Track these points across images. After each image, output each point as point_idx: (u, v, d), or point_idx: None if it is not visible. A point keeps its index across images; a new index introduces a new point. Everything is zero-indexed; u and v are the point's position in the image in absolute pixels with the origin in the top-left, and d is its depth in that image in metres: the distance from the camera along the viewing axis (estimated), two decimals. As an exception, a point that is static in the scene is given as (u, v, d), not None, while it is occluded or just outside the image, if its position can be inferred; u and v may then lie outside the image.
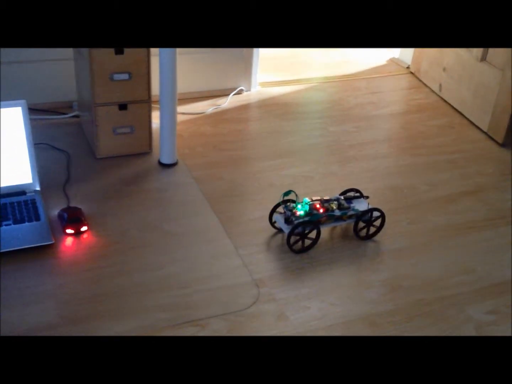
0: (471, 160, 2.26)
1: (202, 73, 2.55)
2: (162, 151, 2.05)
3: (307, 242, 1.72)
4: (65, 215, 1.70)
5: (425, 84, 2.88)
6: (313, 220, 1.70)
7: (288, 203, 1.76)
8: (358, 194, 1.86)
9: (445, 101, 2.71)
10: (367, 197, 1.85)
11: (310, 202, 1.74)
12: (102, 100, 1.98)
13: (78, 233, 1.68)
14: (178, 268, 1.61)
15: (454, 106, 2.64)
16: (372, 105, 2.67)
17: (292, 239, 1.69)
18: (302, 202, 1.73)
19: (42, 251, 1.61)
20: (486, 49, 2.43)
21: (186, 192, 1.93)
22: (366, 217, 1.76)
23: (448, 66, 2.67)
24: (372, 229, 1.80)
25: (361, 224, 1.79)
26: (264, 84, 2.78)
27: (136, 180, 1.97)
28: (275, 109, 2.56)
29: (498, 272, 1.69)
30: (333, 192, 1.98)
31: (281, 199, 1.76)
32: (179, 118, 2.35)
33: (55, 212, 1.75)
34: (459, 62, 2.58)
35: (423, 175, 2.14)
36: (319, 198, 1.78)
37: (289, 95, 2.71)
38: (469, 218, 1.92)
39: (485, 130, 2.44)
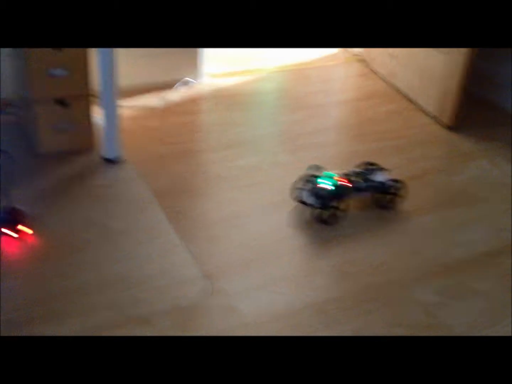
0: (418, 144, 2.28)
1: (148, 65, 2.49)
2: (105, 147, 2.00)
3: (337, 214, 1.77)
4: (5, 216, 1.63)
5: (374, 71, 2.89)
6: (340, 192, 1.75)
7: (313, 178, 1.79)
8: (374, 167, 1.91)
9: (394, 87, 2.73)
10: (386, 169, 1.90)
11: (336, 176, 1.79)
12: (41, 96, 1.91)
13: (18, 235, 1.62)
14: (124, 267, 1.57)
15: (403, 91, 2.66)
16: (322, 94, 2.67)
17: (321, 212, 1.74)
18: (326, 176, 1.78)
19: (-21, 256, 1.54)
20: (430, 34, 2.45)
21: (132, 188, 1.88)
22: (387, 187, 1.83)
23: (396, 52, 2.68)
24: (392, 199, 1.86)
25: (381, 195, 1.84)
26: (213, 75, 2.73)
27: (79, 177, 1.91)
28: (224, 100, 2.53)
29: (443, 254, 1.71)
30: (283, 180, 1.97)
31: (307, 174, 1.80)
32: (124, 112, 2.29)
33: (-7, 214, 1.68)
34: (405, 48, 2.60)
35: (373, 161, 2.14)
36: (342, 171, 1.84)
37: (238, 85, 2.67)
38: (416, 202, 1.94)
39: (432, 114, 2.47)
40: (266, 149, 2.19)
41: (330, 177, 1.78)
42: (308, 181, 1.78)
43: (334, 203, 1.75)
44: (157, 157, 2.07)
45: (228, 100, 2.53)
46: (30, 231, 1.63)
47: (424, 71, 2.49)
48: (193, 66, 2.60)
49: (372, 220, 1.83)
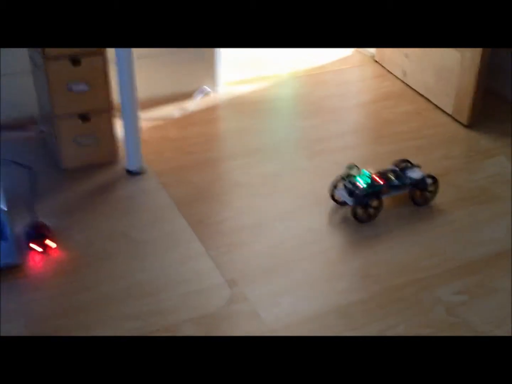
0: (438, 144, 2.28)
1: (164, 76, 2.53)
2: (128, 159, 2.04)
3: (371, 212, 1.82)
4: (31, 232, 1.68)
5: (390, 72, 2.89)
6: (375, 190, 1.79)
7: (349, 177, 1.84)
8: (409, 164, 1.95)
9: (410, 87, 2.72)
10: (419, 166, 1.94)
11: (371, 175, 1.83)
12: (62, 112, 1.96)
13: (44, 249, 1.66)
14: (147, 276, 1.60)
15: (419, 91, 2.66)
16: (339, 97, 2.68)
17: (358, 210, 1.77)
18: (362, 175, 1.83)
19: (9, 271, 1.58)
20: (445, 32, 2.44)
21: (154, 198, 1.92)
22: (421, 184, 1.86)
23: (410, 52, 2.68)
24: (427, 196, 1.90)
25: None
26: (230, 83, 2.77)
27: (103, 190, 1.95)
28: (242, 107, 2.55)
29: (466, 253, 1.71)
30: (304, 186, 1.98)
31: (345, 173, 1.85)
32: (145, 124, 2.34)
33: (21, 229, 1.73)
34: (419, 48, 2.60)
35: (390, 163, 2.14)
36: (378, 170, 1.89)
37: (255, 92, 2.70)
38: (437, 201, 1.93)
39: (449, 113, 2.46)
40: (286, 156, 2.21)
41: (366, 176, 1.83)
42: (345, 180, 1.84)
43: (369, 201, 1.79)
44: (178, 166, 2.10)
45: (246, 107, 2.55)
46: (55, 245, 1.68)
47: (439, 69, 2.48)
48: (210, 75, 2.64)
49: (398, 219, 1.84)
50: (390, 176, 1.87)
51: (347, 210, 1.85)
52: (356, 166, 1.85)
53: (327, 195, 1.95)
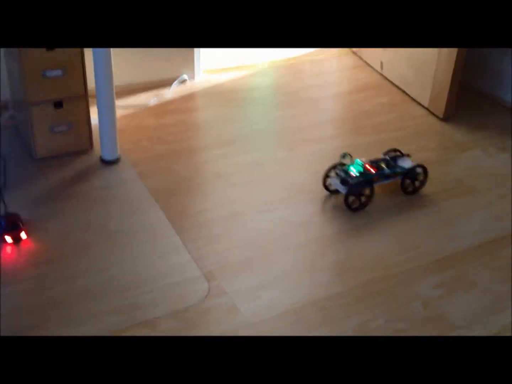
0: (414, 137, 2.29)
1: (142, 63, 2.48)
2: (103, 148, 2.00)
3: (363, 200, 1.85)
4: (2, 223, 1.63)
5: (367, 63, 2.89)
6: (367, 179, 1.80)
7: (342, 165, 1.86)
8: (399, 154, 1.99)
9: (387, 79, 2.73)
10: (408, 155, 1.98)
11: (363, 164, 1.86)
12: (36, 99, 1.91)
13: (17, 241, 1.62)
14: (123, 269, 1.57)
15: (396, 83, 2.67)
16: (317, 87, 2.67)
17: (350, 198, 1.81)
18: (355, 164, 1.85)
19: (-19, 262, 1.54)
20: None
21: (130, 188, 1.89)
22: (411, 173, 1.89)
23: (389, 43, 2.69)
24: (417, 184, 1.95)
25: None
26: (209, 72, 2.73)
27: (77, 179, 1.91)
28: (220, 96, 2.53)
29: (442, 247, 1.73)
30: (283, 176, 1.98)
31: (338, 161, 1.88)
32: (121, 112, 2.29)
33: (-8, 219, 1.68)
34: (398, 39, 2.60)
35: (367, 154, 2.15)
36: (368, 159, 1.91)
37: (233, 81, 2.67)
38: (414, 195, 1.95)
39: (426, 105, 2.48)
40: (264, 145, 2.19)
41: (359, 165, 1.86)
42: (338, 169, 1.87)
43: (362, 190, 1.83)
44: (155, 156, 2.07)
45: (224, 96, 2.53)
46: (28, 237, 1.64)
47: (416, 62, 2.49)
48: (189, 64, 2.60)
49: (376, 212, 1.85)
50: (382, 165, 1.90)
51: (332, 200, 1.87)
52: (349, 154, 1.89)
53: (306, 185, 1.95)
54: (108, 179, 1.92)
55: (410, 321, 1.47)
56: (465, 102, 2.53)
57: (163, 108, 2.38)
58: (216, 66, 2.79)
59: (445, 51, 2.31)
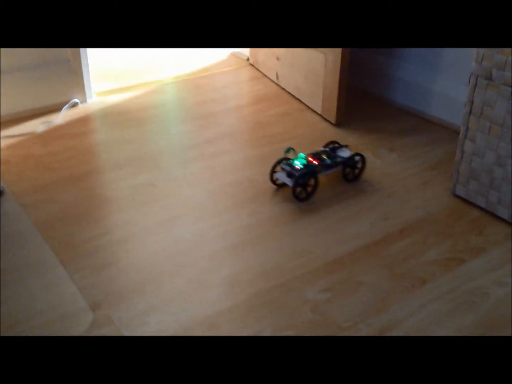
0: (308, 144, 2.33)
1: (30, 91, 2.40)
2: (-17, 182, 1.90)
3: (309, 190, 1.98)
4: None
5: (264, 75, 2.93)
6: (311, 170, 1.95)
7: (287, 161, 1.99)
8: (337, 145, 2.14)
9: (283, 89, 2.78)
10: (346, 146, 2.13)
11: (306, 156, 1.99)
12: None
13: None
14: (7, 308, 1.49)
15: (291, 93, 2.72)
16: (214, 102, 2.67)
17: (297, 190, 1.94)
18: (298, 158, 1.98)
19: None
20: (310, 34, 2.51)
21: (13, 222, 1.80)
22: (351, 161, 2.05)
23: (281, 54, 2.74)
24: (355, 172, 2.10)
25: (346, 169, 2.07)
26: (102, 94, 2.67)
27: (-46, 218, 1.81)
28: (114, 118, 2.48)
29: (332, 250, 1.76)
30: (177, 195, 1.95)
31: (283, 157, 2.00)
32: (6, 142, 2.20)
33: None
34: (289, 49, 2.65)
35: (262, 166, 2.17)
36: (310, 152, 2.05)
37: (128, 101, 2.63)
38: (306, 202, 1.98)
39: (319, 112, 2.53)
40: (158, 165, 2.16)
41: (302, 158, 1.98)
42: (283, 163, 1.98)
43: (307, 181, 1.94)
44: (42, 185, 1.99)
45: (118, 117, 2.48)
46: None
47: (307, 71, 2.55)
48: (80, 87, 2.53)
49: (271, 220, 1.85)
50: (323, 156, 2.02)
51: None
52: (292, 149, 2.02)
53: (200, 201, 1.94)
54: (-11, 215, 1.83)
55: (298, 327, 1.47)
56: (356, 106, 2.61)
57: (52, 134, 2.30)
58: (111, 87, 2.74)
59: (330, 58, 2.38)
